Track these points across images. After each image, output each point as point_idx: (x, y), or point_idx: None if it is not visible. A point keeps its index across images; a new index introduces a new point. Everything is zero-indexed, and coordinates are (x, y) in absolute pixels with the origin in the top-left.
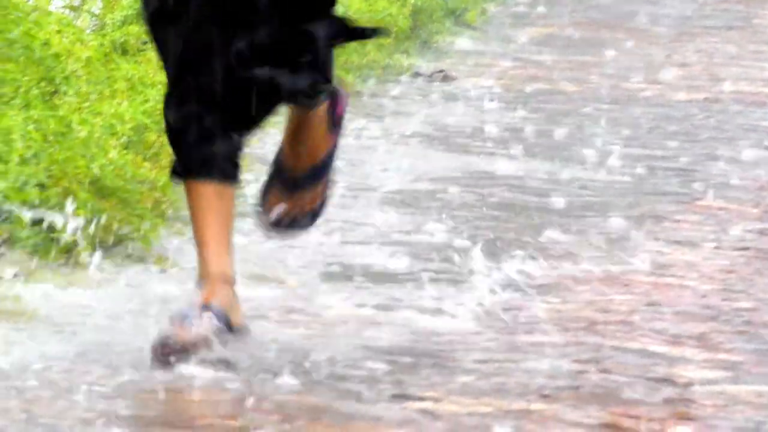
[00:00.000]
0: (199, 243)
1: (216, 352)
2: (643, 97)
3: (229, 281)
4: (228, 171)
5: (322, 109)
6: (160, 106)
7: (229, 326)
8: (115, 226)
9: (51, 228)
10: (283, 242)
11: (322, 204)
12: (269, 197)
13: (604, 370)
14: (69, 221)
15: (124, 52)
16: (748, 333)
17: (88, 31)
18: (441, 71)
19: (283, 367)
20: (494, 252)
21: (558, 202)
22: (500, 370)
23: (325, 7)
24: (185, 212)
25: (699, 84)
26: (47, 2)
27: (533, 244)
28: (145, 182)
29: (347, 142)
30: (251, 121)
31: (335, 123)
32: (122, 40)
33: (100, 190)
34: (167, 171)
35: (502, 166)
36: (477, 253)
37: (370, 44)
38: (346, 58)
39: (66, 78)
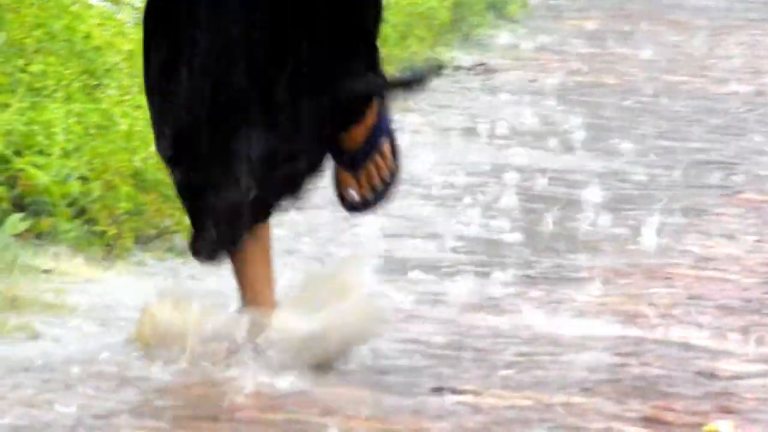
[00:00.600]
0: (243, 285)
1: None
2: (685, 90)
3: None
4: (256, 214)
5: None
6: None
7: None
8: (157, 219)
9: (93, 221)
10: (326, 236)
11: (394, 164)
12: (340, 182)
13: (645, 364)
14: (110, 214)
15: None
16: None
17: (129, 24)
18: (482, 64)
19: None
20: (534, 245)
21: (598, 195)
22: (540, 363)
23: (363, 58)
24: None
25: (741, 77)
26: None
27: (573, 237)
28: None
29: None
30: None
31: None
32: None
33: (141, 183)
34: None
35: (542, 159)
36: (517, 246)
37: (411, 37)
38: (388, 51)
39: (107, 71)
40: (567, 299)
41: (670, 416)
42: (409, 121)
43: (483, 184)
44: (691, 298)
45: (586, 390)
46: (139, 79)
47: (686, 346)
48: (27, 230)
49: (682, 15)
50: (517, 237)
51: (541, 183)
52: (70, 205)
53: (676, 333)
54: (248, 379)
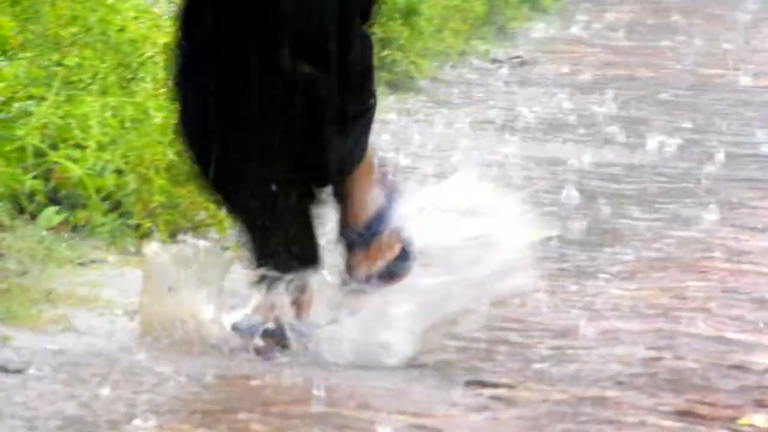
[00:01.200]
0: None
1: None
2: (720, 83)
3: None
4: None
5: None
6: None
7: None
8: (191, 212)
9: (127, 214)
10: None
11: (404, 249)
12: (349, 261)
13: (680, 357)
14: (145, 207)
15: None
16: None
17: (164, 17)
18: (517, 57)
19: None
20: (568, 239)
21: (633, 188)
22: (575, 356)
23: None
24: None
25: None
26: None
27: (608, 230)
28: None
29: (423, 128)
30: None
31: (383, 180)
32: None
33: (176, 176)
34: None
35: (578, 152)
36: (552, 239)
37: (447, 30)
38: (423, 44)
39: (142, 64)
40: (601, 293)
41: (704, 410)
42: (445, 113)
43: (518, 177)
44: (725, 291)
45: (620, 384)
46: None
47: (721, 340)
48: (62, 223)
49: (719, 8)
50: (551, 230)
51: (575, 176)
52: (105, 198)
53: (711, 326)
54: (283, 372)
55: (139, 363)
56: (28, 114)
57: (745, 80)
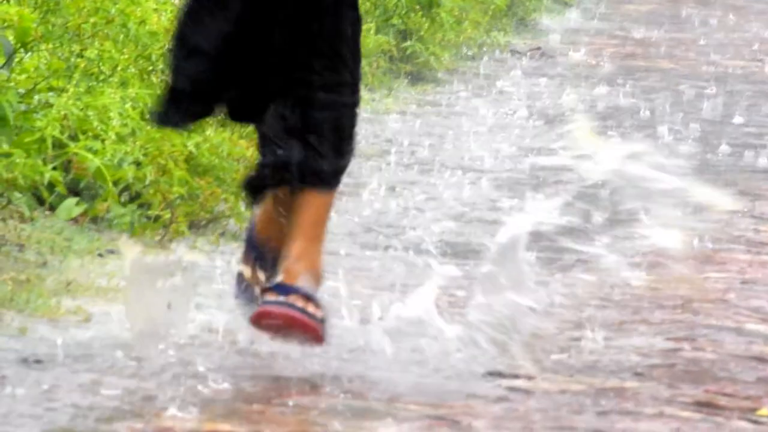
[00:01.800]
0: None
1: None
2: (742, 74)
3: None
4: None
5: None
6: None
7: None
8: (210, 203)
9: (146, 206)
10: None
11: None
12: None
13: (699, 348)
14: (164, 199)
15: None
16: None
17: None
18: (538, 48)
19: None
20: (588, 229)
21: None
22: (594, 347)
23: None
24: None
25: None
26: None
27: (626, 221)
28: (241, 160)
29: (442, 121)
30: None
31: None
32: None
33: (195, 167)
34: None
35: (597, 142)
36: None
37: (467, 21)
38: (443, 35)
39: (162, 56)
40: (620, 283)
41: (723, 401)
42: (466, 105)
43: (539, 169)
44: (744, 282)
45: (638, 375)
46: None
47: (739, 331)
48: (81, 214)
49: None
50: (572, 221)
51: (595, 167)
52: (125, 189)
53: (730, 318)
54: (302, 363)
55: (158, 355)
56: (49, 105)
57: (765, 71)
